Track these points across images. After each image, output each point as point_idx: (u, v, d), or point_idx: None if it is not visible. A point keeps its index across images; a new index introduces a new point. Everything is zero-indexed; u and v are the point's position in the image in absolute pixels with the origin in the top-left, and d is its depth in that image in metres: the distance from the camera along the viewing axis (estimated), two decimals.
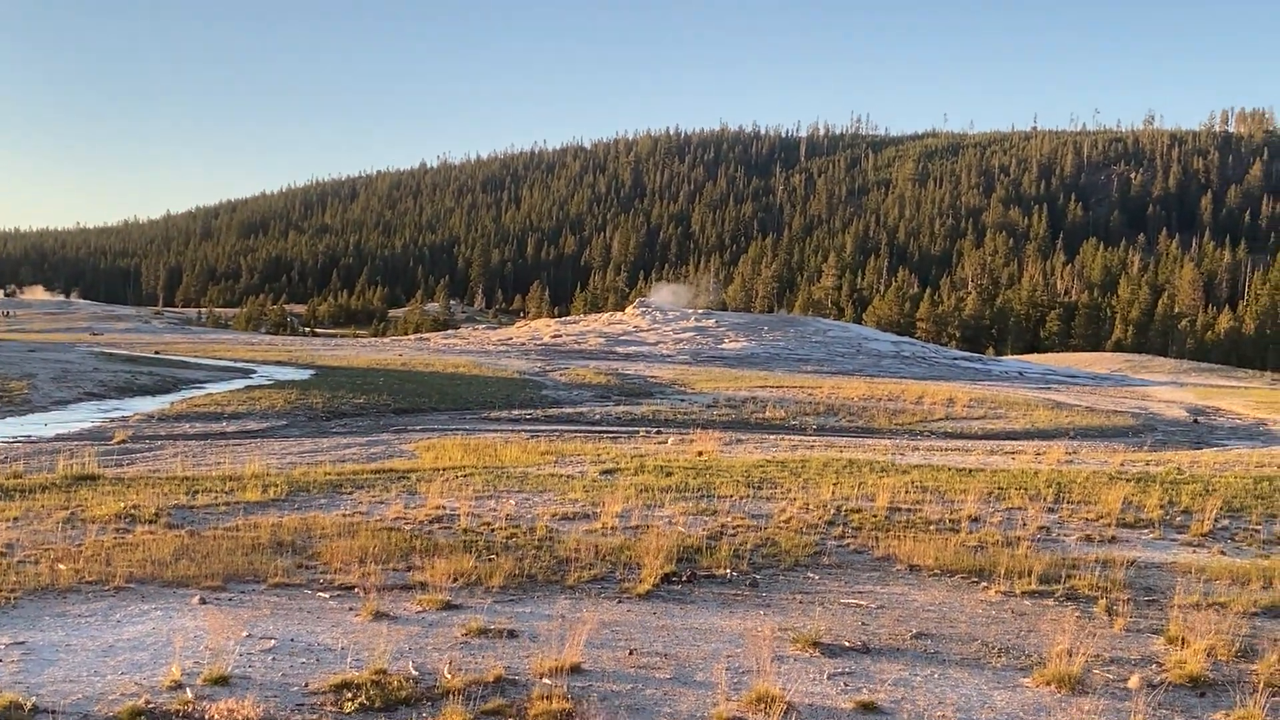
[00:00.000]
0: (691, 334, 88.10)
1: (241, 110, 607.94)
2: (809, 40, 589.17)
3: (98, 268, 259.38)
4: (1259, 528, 15.22)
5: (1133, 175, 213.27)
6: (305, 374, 50.53)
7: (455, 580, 11.06)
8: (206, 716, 7.20)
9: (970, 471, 20.87)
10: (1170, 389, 63.44)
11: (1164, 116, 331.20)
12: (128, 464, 21.52)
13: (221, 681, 7.78)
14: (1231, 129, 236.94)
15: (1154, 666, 8.78)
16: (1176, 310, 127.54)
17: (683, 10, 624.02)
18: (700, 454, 24.42)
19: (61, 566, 11.21)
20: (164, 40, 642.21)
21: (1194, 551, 13.61)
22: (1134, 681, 8.34)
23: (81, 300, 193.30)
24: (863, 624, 9.98)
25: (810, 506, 15.87)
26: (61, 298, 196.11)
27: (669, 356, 75.07)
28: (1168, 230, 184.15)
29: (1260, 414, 44.50)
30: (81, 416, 31.93)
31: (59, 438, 26.25)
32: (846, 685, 8.16)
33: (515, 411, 37.19)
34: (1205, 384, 72.31)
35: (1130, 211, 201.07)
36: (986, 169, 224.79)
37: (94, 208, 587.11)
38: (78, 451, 22.33)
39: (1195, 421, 41.79)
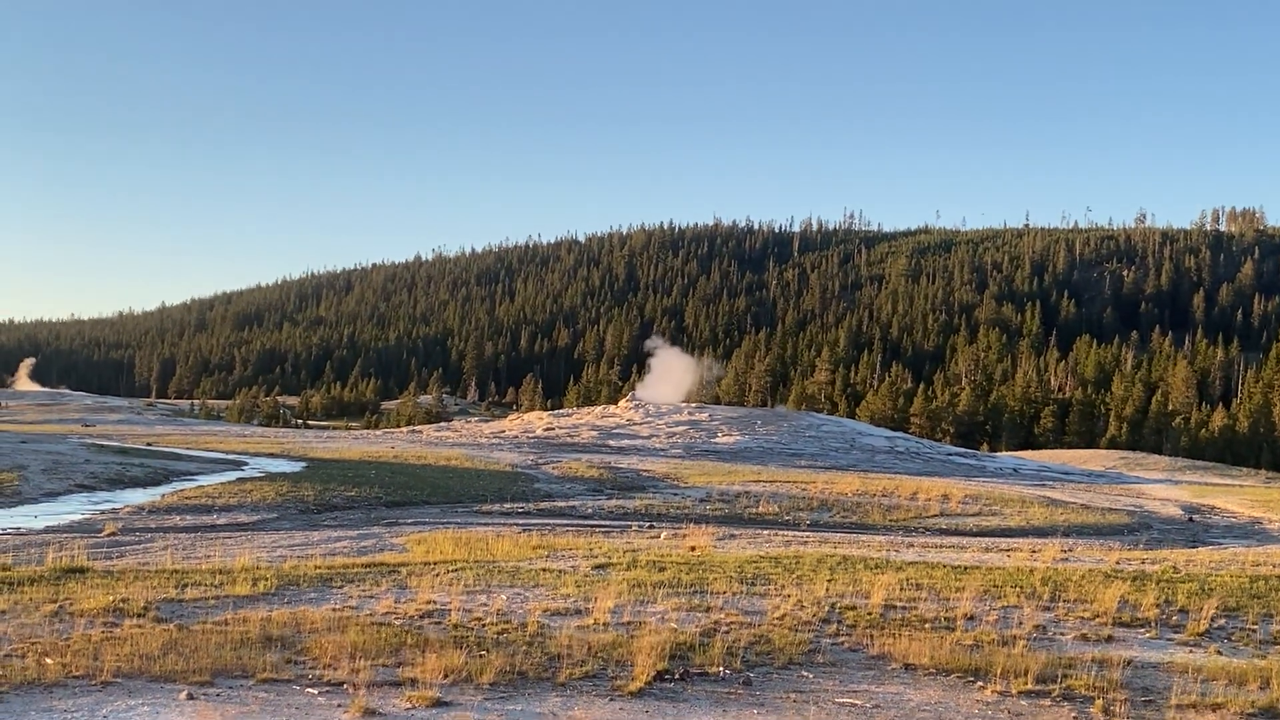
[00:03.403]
0: (684, 427, 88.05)
1: (238, 203, 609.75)
2: (802, 136, 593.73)
3: (91, 359, 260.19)
4: (1255, 627, 15.11)
5: (1125, 273, 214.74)
6: (297, 466, 50.38)
7: (445, 676, 10.95)
8: None
9: (965, 569, 20.75)
10: (1165, 486, 63.36)
11: (1155, 215, 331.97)
12: (117, 556, 21.40)
13: None
14: (1223, 228, 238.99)
15: None
16: (1170, 408, 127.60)
17: (676, 106, 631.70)
18: (693, 549, 24.29)
19: (49, 660, 11.11)
20: (160, 129, 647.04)
21: (1190, 651, 13.51)
22: None
23: (74, 391, 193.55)
24: None
25: (804, 603, 15.76)
26: (52, 389, 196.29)
27: (662, 450, 74.95)
28: (1160, 327, 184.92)
29: (1256, 512, 44.40)
30: (72, 508, 31.77)
31: (49, 530, 26.12)
32: None
33: (507, 505, 37.05)
34: (1200, 481, 72.21)
35: (1123, 308, 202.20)
36: (979, 265, 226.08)
37: (89, 299, 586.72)
38: (67, 544, 22.18)
39: (1190, 520, 41.67)
